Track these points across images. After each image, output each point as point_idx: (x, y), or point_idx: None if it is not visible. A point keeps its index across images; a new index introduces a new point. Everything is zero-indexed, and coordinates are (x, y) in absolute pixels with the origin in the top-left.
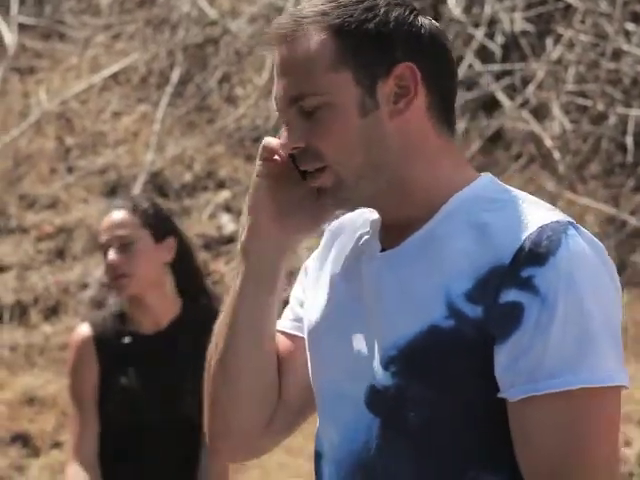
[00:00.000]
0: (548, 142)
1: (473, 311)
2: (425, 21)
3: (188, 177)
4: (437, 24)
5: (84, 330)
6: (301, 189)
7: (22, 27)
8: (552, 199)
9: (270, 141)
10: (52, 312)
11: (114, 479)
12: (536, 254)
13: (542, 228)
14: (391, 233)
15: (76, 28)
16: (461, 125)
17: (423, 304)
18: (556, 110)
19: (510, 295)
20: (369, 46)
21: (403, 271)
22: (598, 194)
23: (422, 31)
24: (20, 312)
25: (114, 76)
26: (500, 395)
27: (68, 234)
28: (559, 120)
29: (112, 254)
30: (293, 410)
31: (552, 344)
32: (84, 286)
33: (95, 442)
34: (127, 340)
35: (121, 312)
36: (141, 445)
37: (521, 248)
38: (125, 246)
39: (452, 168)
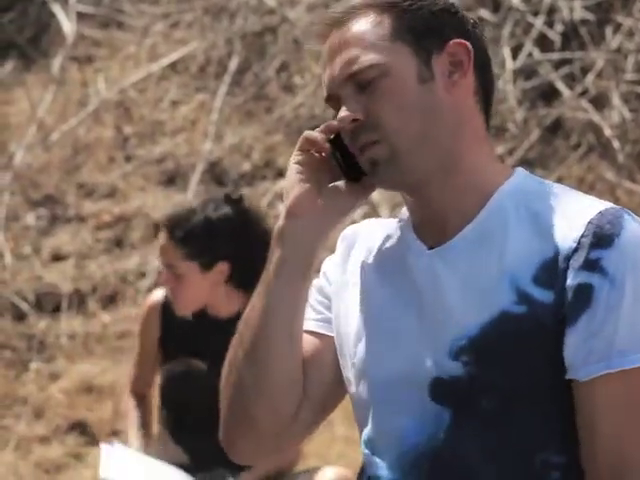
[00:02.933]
0: (607, 131)
1: (544, 295)
2: (466, 13)
3: (246, 166)
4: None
5: (158, 295)
6: (336, 177)
7: (80, 16)
8: (611, 188)
9: (311, 133)
10: (110, 301)
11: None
12: (601, 237)
13: (602, 213)
14: (430, 231)
15: (134, 17)
16: (520, 114)
17: (489, 293)
18: (615, 99)
19: (579, 277)
20: (422, 22)
21: (461, 265)
22: None
23: (466, 17)
24: (78, 301)
25: (172, 65)
26: (569, 376)
27: (126, 223)
28: (618, 109)
29: (163, 276)
30: (317, 407)
31: (622, 324)
32: (142, 275)
33: (150, 378)
34: (191, 318)
35: None
36: (192, 422)
37: (585, 232)
38: (173, 274)
39: (490, 159)
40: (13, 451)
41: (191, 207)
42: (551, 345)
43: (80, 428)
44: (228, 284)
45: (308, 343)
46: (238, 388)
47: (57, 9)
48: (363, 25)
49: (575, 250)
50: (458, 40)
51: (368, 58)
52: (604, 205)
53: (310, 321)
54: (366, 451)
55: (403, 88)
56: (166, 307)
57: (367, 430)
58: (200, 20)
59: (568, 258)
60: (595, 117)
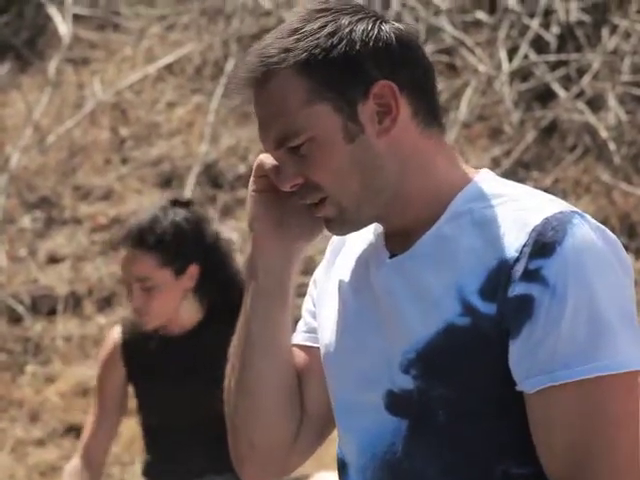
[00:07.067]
0: (603, 133)
1: (487, 308)
2: (389, 27)
3: (242, 168)
4: (400, 25)
5: (115, 335)
6: (296, 201)
7: (77, 18)
8: (607, 190)
9: (263, 162)
10: (106, 303)
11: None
12: (542, 245)
13: (547, 219)
14: (397, 239)
15: (131, 19)
16: (516, 116)
17: (437, 304)
18: (612, 101)
19: (520, 288)
20: (340, 73)
21: (414, 274)
22: None
23: (389, 41)
24: (74, 303)
25: (168, 67)
26: (517, 388)
27: (122, 225)
28: (615, 111)
29: (133, 296)
30: (319, 423)
31: (565, 334)
32: None
33: (106, 442)
34: (153, 345)
35: None
36: (174, 446)
37: (527, 241)
38: (145, 287)
39: (448, 167)
40: (9, 454)
41: (151, 214)
42: (497, 357)
43: (76, 431)
44: (194, 293)
45: (299, 358)
46: (235, 416)
47: (53, 11)
48: (278, 91)
49: (517, 260)
50: (381, 83)
51: (289, 129)
52: (555, 209)
53: (298, 334)
54: (338, 459)
55: (331, 152)
56: (127, 343)
57: (338, 440)
58: (196, 22)
59: (510, 268)
60: (591, 119)
